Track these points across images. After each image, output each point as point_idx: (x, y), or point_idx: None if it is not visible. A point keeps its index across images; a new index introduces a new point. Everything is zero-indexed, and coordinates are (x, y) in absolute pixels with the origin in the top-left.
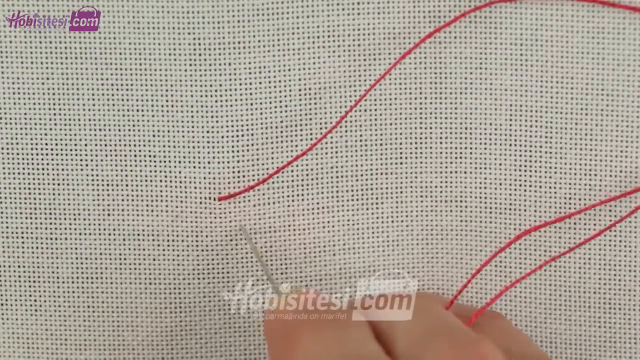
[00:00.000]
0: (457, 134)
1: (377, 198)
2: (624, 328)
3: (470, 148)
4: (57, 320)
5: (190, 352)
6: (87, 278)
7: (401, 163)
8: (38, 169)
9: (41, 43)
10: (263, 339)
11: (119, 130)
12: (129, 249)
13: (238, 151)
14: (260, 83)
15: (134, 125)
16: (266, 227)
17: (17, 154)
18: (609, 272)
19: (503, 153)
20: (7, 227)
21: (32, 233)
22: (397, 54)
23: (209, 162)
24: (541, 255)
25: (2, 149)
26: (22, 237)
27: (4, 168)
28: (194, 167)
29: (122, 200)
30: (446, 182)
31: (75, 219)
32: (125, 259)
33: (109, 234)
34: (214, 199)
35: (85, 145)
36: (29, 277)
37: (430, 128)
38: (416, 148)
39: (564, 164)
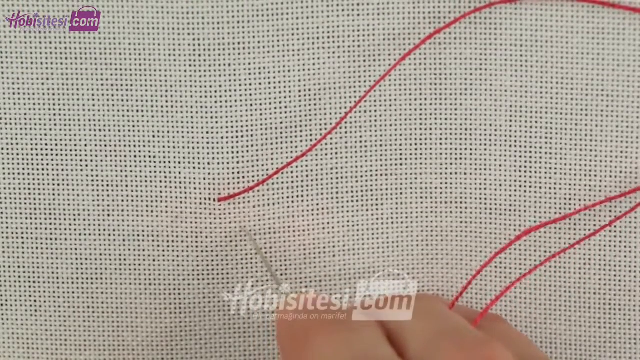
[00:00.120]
0: (457, 135)
1: (377, 199)
2: (624, 329)
3: (470, 149)
4: (57, 321)
5: (190, 352)
6: (87, 279)
7: (401, 164)
8: (38, 170)
9: (41, 43)
10: (263, 339)
11: (119, 130)
12: (129, 250)
13: (238, 152)
14: (260, 84)
15: (133, 126)
16: (266, 228)
17: (17, 154)
18: (609, 272)
19: (503, 154)
20: (7, 228)
21: (32, 233)
22: (397, 55)
23: (208, 163)
24: (541, 257)
25: (2, 149)
26: (22, 238)
27: (4, 168)
28: (194, 167)
29: (122, 200)
30: (446, 183)
31: (75, 220)
32: (125, 259)
33: (109, 235)
34: (214, 200)
35: (85, 145)
36: (29, 277)
37: (430, 129)
38: (416, 149)
39: (564, 165)
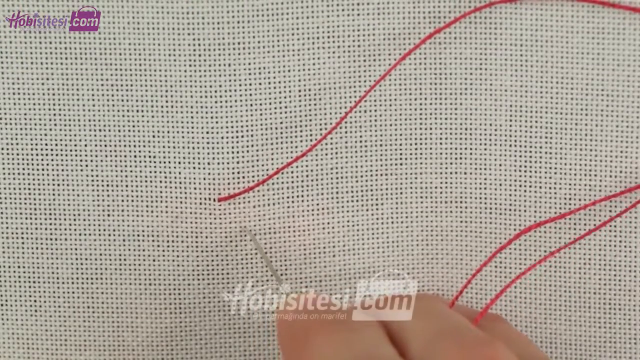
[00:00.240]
0: (457, 135)
1: (377, 199)
2: (624, 328)
3: (470, 149)
4: (57, 321)
5: (190, 352)
6: (87, 279)
7: (401, 164)
8: (38, 170)
9: (41, 43)
10: (263, 339)
11: (119, 130)
12: (129, 250)
13: (238, 152)
14: (260, 84)
15: (133, 126)
16: (266, 228)
17: (17, 154)
18: (609, 272)
19: (503, 154)
20: (7, 228)
21: (32, 234)
22: (397, 55)
23: (208, 163)
24: (541, 256)
25: (2, 149)
26: (22, 238)
27: (4, 168)
28: (194, 167)
29: (122, 200)
30: (446, 182)
31: (75, 220)
32: (125, 259)
33: (109, 235)
34: (214, 200)
35: (85, 145)
36: (29, 277)
37: (430, 129)
38: (416, 149)
39: (564, 165)
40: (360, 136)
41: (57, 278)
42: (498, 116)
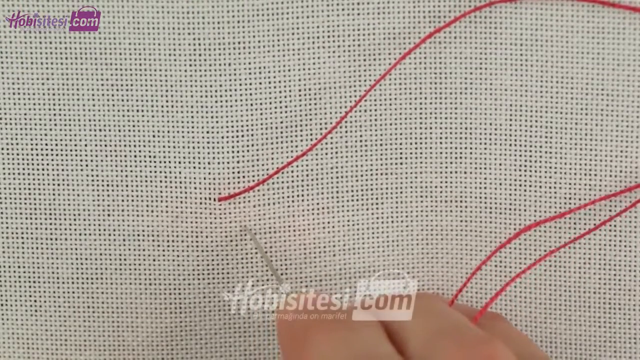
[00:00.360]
0: (457, 134)
1: (377, 198)
2: (624, 328)
3: (470, 148)
4: (57, 321)
5: (190, 352)
6: (87, 278)
7: (401, 163)
8: (38, 170)
9: (41, 43)
10: (263, 339)
11: (119, 130)
12: (129, 250)
13: (238, 151)
14: (260, 83)
15: (134, 126)
16: (266, 227)
17: (17, 154)
18: (609, 271)
19: (503, 153)
20: (7, 228)
21: (32, 233)
22: (397, 54)
23: (209, 163)
24: (541, 255)
25: (2, 149)
26: (22, 238)
27: (4, 168)
28: (194, 167)
29: (122, 200)
30: (446, 182)
31: (75, 220)
32: (125, 259)
33: (109, 235)
34: (214, 200)
35: (85, 145)
36: (29, 277)
37: (430, 128)
38: (416, 148)
39: (564, 164)
40: (361, 135)
41: (57, 278)
42: (498, 115)
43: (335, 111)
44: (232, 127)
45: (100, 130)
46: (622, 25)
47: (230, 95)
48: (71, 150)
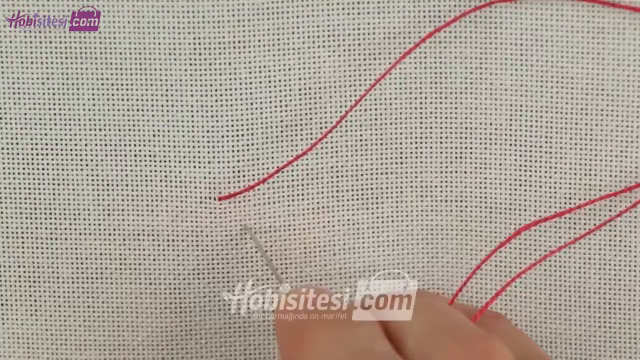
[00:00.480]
0: (457, 134)
1: (377, 198)
2: (624, 328)
3: (471, 148)
4: (57, 321)
5: (191, 352)
6: (87, 278)
7: (401, 163)
8: (38, 169)
9: (41, 43)
10: (263, 339)
11: (119, 130)
12: (129, 249)
13: (238, 151)
14: (260, 82)
15: (134, 125)
16: (266, 226)
17: (17, 154)
18: (609, 271)
19: (503, 153)
20: (7, 227)
21: (32, 233)
22: (397, 54)
23: (209, 162)
24: (541, 255)
25: (2, 148)
26: (22, 237)
27: (4, 168)
28: (194, 166)
29: (122, 200)
30: (446, 181)
31: (75, 219)
32: (125, 259)
33: (109, 234)
34: (214, 199)
35: (86, 145)
36: (29, 277)
37: (431, 128)
38: (416, 148)
39: (564, 164)
40: (361, 135)
41: (57, 277)
42: (498, 115)
43: (335, 110)
44: (232, 126)
45: (100, 129)
46: (622, 25)
47: (230, 95)
48: (71, 150)
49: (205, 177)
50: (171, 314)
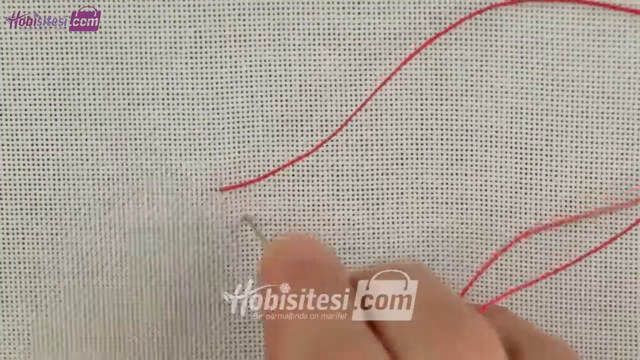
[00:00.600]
0: (458, 136)
1: (377, 199)
2: (625, 330)
3: (471, 150)
4: (58, 316)
5: (191, 348)
6: (88, 273)
7: (402, 164)
8: (38, 165)
9: (42, 39)
10: (263, 335)
11: (120, 124)
12: (130, 244)
13: (239, 145)
14: (260, 77)
15: (134, 119)
16: (267, 219)
17: (18, 149)
18: (610, 274)
19: (504, 155)
20: (8, 223)
21: (32, 229)
22: (397, 54)
23: (210, 154)
24: (542, 258)
25: (3, 144)
26: (23, 233)
27: (4, 164)
28: (195, 160)
29: (123, 194)
30: (447, 184)
31: (75, 214)
32: (126, 254)
33: (110, 229)
34: (216, 191)
35: (86, 140)
36: (30, 273)
37: (431, 130)
38: (417, 149)
39: (564, 167)
40: (361, 135)
41: (58, 273)
42: (499, 118)
43: (335, 108)
44: (233, 120)
45: (101, 124)
46: (622, 28)
47: (231, 88)
48: (71, 145)
49: (206, 169)
50: (172, 309)
